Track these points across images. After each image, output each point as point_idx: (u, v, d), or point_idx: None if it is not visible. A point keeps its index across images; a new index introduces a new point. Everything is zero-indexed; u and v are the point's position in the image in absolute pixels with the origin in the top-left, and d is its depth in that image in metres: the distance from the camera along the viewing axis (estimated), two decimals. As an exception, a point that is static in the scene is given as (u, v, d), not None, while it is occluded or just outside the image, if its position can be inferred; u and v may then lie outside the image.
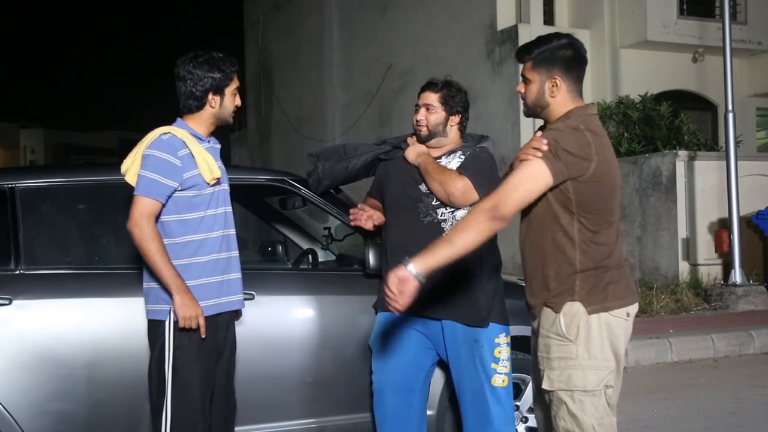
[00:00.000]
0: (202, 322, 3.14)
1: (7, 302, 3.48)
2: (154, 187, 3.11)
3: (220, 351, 3.32)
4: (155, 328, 3.21)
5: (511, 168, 2.95)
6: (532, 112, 2.91)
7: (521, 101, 2.94)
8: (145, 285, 3.26)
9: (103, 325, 3.59)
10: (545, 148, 2.68)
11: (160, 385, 3.16)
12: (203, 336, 3.17)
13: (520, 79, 2.92)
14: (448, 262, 2.71)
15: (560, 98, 2.82)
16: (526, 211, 2.91)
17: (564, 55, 2.82)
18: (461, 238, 2.69)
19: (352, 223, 3.77)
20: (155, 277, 3.16)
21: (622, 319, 2.79)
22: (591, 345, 2.74)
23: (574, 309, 2.74)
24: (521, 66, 2.90)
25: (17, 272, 3.58)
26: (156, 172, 3.11)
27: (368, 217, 3.71)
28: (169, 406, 3.13)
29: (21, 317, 3.49)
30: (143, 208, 3.11)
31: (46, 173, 4.02)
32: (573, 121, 2.76)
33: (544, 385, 2.80)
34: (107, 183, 3.87)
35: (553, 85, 2.81)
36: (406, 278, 2.68)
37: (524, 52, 2.87)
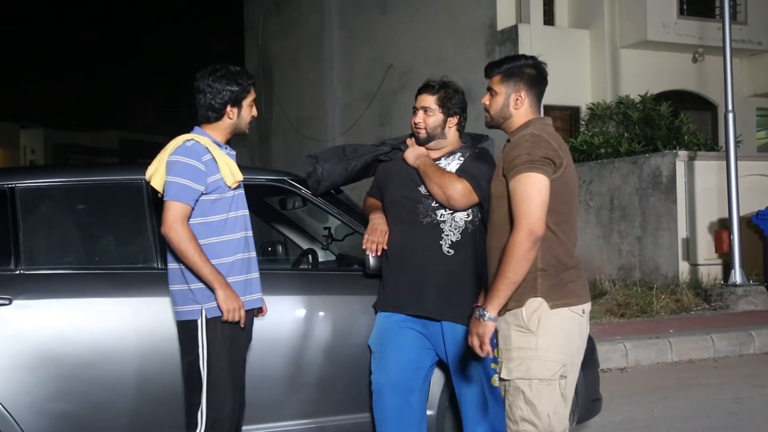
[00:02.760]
0: (242, 313, 3.28)
1: (7, 302, 3.48)
2: (184, 192, 3.22)
3: (246, 348, 3.46)
4: (188, 328, 3.30)
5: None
6: (494, 122, 3.16)
7: (485, 112, 3.18)
8: (173, 287, 3.34)
9: (103, 325, 3.58)
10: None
11: (196, 382, 3.27)
12: (243, 326, 3.31)
13: (487, 91, 3.17)
14: (513, 281, 2.88)
15: (522, 111, 3.08)
16: (489, 216, 3.14)
17: (529, 73, 3.09)
18: (517, 272, 2.85)
19: (364, 247, 3.74)
20: (185, 278, 3.26)
21: (578, 315, 2.98)
22: (550, 337, 2.91)
23: (536, 304, 2.92)
24: (488, 80, 3.17)
25: (17, 272, 3.58)
26: (184, 177, 3.23)
27: (379, 244, 3.67)
28: (204, 403, 3.25)
29: (21, 317, 3.49)
30: (176, 212, 3.22)
31: (46, 173, 4.01)
32: (534, 130, 2.99)
33: (503, 375, 2.97)
34: (107, 183, 3.88)
35: (517, 99, 3.07)
36: (486, 327, 2.88)
37: (494, 67, 3.14)
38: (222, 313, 3.24)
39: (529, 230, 2.82)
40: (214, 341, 3.27)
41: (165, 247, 3.38)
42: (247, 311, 3.36)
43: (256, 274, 3.44)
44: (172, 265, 3.32)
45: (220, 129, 3.40)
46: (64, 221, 3.91)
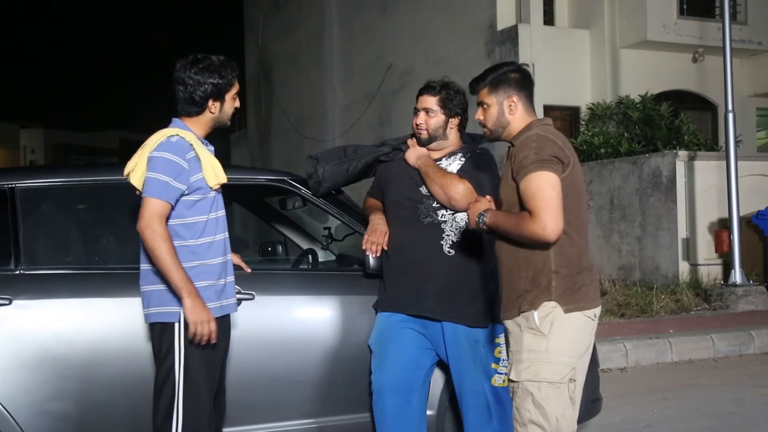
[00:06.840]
0: (213, 327, 3.09)
1: (7, 302, 3.48)
2: (164, 189, 3.04)
3: (224, 353, 3.33)
4: (163, 331, 3.15)
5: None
6: (494, 134, 3.13)
7: (481, 128, 3.15)
8: (146, 287, 3.20)
9: (103, 325, 3.58)
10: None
11: (170, 387, 3.12)
12: (213, 341, 3.12)
13: (477, 107, 3.13)
14: (498, 229, 2.96)
15: (518, 115, 3.07)
16: None
17: (515, 77, 3.09)
18: (510, 232, 2.91)
19: (364, 247, 3.74)
20: (160, 278, 3.11)
21: (590, 319, 3.00)
22: (561, 340, 2.92)
23: (549, 307, 2.92)
24: (476, 96, 3.13)
25: (17, 272, 3.58)
26: (166, 174, 3.04)
27: (379, 244, 3.67)
28: (180, 409, 3.10)
29: (21, 317, 3.49)
30: (155, 208, 3.02)
31: (46, 173, 4.01)
32: (539, 131, 2.97)
33: (512, 377, 2.97)
34: (107, 183, 3.87)
35: (510, 104, 3.06)
36: (478, 207, 3.02)
37: (479, 81, 3.11)
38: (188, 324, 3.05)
39: (543, 225, 2.78)
40: (191, 346, 3.11)
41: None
42: (223, 317, 3.23)
43: (232, 278, 3.31)
44: (146, 266, 3.17)
45: (201, 123, 3.21)
46: (64, 221, 3.91)
